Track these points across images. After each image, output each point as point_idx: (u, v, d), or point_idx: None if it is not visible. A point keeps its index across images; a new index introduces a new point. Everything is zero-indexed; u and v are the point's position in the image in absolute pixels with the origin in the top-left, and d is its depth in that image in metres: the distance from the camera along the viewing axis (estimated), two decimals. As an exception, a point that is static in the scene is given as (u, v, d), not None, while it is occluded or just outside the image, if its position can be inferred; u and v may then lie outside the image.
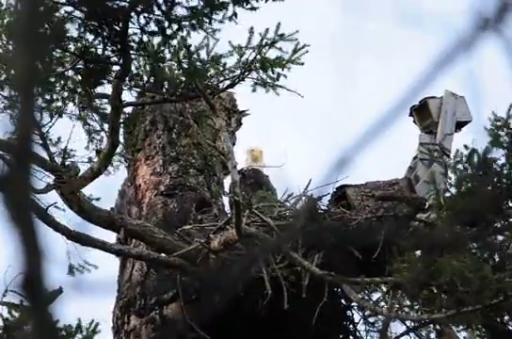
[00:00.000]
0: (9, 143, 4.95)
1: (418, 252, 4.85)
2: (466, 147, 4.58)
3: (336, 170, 1.93)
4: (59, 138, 5.62)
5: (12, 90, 5.06)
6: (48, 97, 5.39)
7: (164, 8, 5.14)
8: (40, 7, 1.31)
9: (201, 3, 5.17)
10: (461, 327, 5.10)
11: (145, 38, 5.27)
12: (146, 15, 5.16)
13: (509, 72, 4.62)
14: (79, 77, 5.44)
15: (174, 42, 5.37)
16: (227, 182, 6.88)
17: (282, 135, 9.41)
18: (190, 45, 5.47)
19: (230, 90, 7.14)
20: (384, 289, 5.45)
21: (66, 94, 5.51)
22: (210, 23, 5.29)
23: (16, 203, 1.24)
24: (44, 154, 5.43)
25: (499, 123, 4.53)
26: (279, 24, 5.62)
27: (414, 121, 7.34)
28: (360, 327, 6.01)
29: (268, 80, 5.70)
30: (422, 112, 7.27)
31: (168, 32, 5.25)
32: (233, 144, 7.22)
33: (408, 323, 5.70)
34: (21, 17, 1.30)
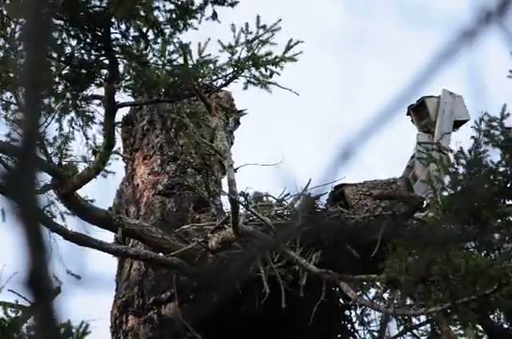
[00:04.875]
0: (11, 145, 4.96)
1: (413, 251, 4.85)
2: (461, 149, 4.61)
3: (337, 167, 1.93)
4: (55, 138, 5.63)
5: (17, 92, 5.06)
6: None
7: (142, 13, 5.16)
8: (44, 9, 1.32)
9: (176, 9, 5.21)
10: (459, 326, 5.11)
11: (128, 43, 5.28)
12: (126, 20, 5.18)
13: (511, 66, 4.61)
14: (66, 82, 5.44)
15: (157, 45, 5.39)
16: (225, 181, 6.88)
17: (283, 133, 9.42)
18: (187, 48, 5.48)
19: (227, 90, 7.15)
20: (381, 287, 5.44)
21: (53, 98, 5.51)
22: (186, 29, 5.32)
23: (21, 202, 1.25)
24: (42, 155, 5.43)
25: (494, 123, 4.54)
26: (258, 17, 5.63)
27: (412, 121, 7.34)
28: (359, 326, 6.02)
29: (261, 78, 5.70)
30: (419, 111, 7.27)
31: (150, 36, 5.28)
32: (232, 143, 7.22)
33: (405, 322, 5.72)
34: (27, 17, 1.31)
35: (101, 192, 6.18)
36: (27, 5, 1.31)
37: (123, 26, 5.21)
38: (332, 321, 5.94)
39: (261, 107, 7.78)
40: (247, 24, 5.63)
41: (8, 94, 5.36)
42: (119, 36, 5.23)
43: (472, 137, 4.65)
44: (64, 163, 5.66)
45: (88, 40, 5.18)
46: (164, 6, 5.23)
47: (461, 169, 4.58)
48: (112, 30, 5.21)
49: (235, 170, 5.47)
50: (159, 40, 5.32)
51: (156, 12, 5.23)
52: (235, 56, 5.66)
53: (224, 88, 6.33)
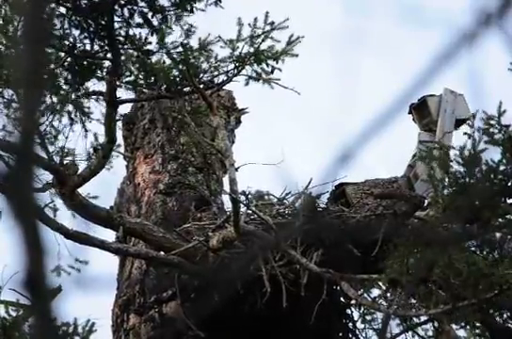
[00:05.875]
0: (10, 143, 4.96)
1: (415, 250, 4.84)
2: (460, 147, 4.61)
3: (337, 167, 1.93)
4: (56, 137, 5.63)
5: (16, 89, 5.05)
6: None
7: None
8: (43, 6, 1.32)
9: None
10: (460, 325, 5.11)
11: (131, 31, 5.26)
12: (130, 7, 5.16)
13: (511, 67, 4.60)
14: (68, 74, 5.42)
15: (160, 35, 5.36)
16: (226, 180, 6.87)
17: (284, 132, 9.42)
18: (187, 43, 5.47)
19: (229, 89, 7.15)
20: (383, 286, 5.44)
21: (55, 91, 5.49)
22: (192, 11, 5.29)
23: (19, 202, 1.24)
24: (42, 153, 5.43)
25: (492, 122, 4.53)
26: (267, 13, 5.62)
27: (413, 119, 7.34)
28: (360, 325, 6.03)
29: (263, 75, 5.70)
30: (421, 110, 7.26)
31: (154, 23, 5.25)
32: (233, 142, 7.22)
33: (407, 321, 5.72)
34: (25, 16, 1.31)
35: (102, 191, 6.18)
36: (27, 3, 1.31)
37: (127, 13, 5.19)
38: (333, 320, 5.94)
39: (261, 107, 7.79)
40: (255, 19, 5.63)
41: (10, 92, 5.36)
42: (122, 24, 5.21)
43: (465, 133, 4.65)
44: (65, 161, 5.66)
45: (91, 29, 5.16)
46: None
47: (459, 167, 4.58)
48: (115, 19, 5.18)
49: (236, 169, 5.47)
50: (162, 27, 5.30)
51: None
52: (237, 52, 5.66)
53: (225, 87, 6.34)
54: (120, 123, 6.72)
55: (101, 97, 5.68)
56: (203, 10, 5.34)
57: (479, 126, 4.62)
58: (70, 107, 5.75)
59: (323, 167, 2.08)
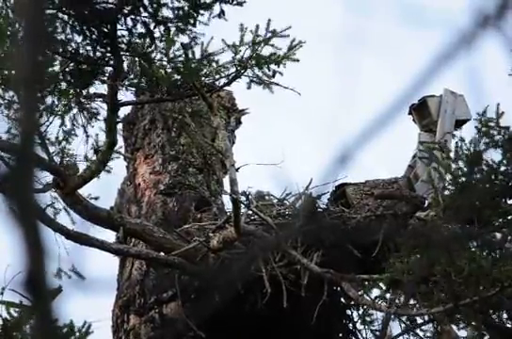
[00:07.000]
0: (11, 143, 4.96)
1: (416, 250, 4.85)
2: (457, 144, 4.62)
3: (336, 168, 1.93)
4: (58, 138, 5.63)
5: (15, 90, 5.05)
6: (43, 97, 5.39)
7: (150, 9, 5.14)
8: (43, 8, 1.32)
9: (186, 3, 5.17)
10: (461, 325, 5.11)
11: (133, 40, 5.26)
12: (133, 17, 5.16)
13: (509, 68, 4.61)
14: (70, 78, 5.42)
15: (163, 43, 5.36)
16: (226, 180, 6.88)
17: (284, 133, 9.43)
18: (190, 46, 5.46)
19: (228, 89, 7.15)
20: (383, 287, 5.44)
21: (57, 95, 5.49)
22: (194, 24, 5.29)
23: (19, 202, 1.24)
24: (43, 154, 5.43)
25: (491, 124, 4.54)
26: (269, 20, 5.62)
27: (413, 120, 7.34)
28: (360, 326, 6.02)
29: (264, 77, 5.69)
30: (421, 111, 7.28)
31: (156, 34, 5.26)
32: (233, 143, 7.22)
33: (407, 322, 5.71)
34: (25, 17, 1.31)
35: (102, 191, 6.18)
36: (26, 4, 1.31)
37: (130, 23, 5.19)
38: (334, 320, 5.94)
39: (261, 107, 7.79)
40: (257, 26, 5.62)
41: (11, 93, 5.36)
42: (125, 33, 5.21)
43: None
44: (66, 162, 5.66)
45: (93, 37, 5.17)
46: (172, 2, 5.22)
47: (462, 166, 4.58)
48: (118, 27, 5.18)
49: (237, 170, 5.47)
50: (165, 38, 5.30)
51: (164, 9, 5.20)
52: (238, 56, 5.65)
53: (226, 88, 6.33)
54: (120, 124, 6.72)
55: (102, 100, 5.69)
56: (206, 24, 5.33)
57: (478, 128, 4.63)
58: (74, 111, 5.76)
59: (323, 167, 2.08)
